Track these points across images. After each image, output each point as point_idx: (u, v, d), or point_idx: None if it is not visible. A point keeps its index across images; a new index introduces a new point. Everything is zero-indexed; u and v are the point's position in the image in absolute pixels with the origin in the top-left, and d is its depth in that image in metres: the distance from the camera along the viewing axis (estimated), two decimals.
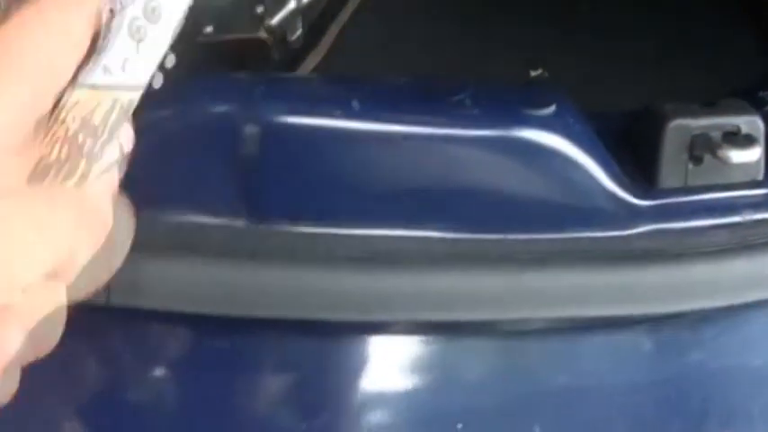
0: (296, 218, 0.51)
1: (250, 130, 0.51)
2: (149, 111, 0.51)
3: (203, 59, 0.71)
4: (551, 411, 0.55)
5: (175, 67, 0.68)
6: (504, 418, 0.55)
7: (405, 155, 0.52)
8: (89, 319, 0.51)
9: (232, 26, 0.70)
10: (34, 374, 0.54)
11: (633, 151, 0.58)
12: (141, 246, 0.47)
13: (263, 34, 0.70)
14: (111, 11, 0.35)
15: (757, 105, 0.60)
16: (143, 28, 0.36)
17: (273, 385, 0.52)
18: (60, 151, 0.35)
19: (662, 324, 0.57)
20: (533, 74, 0.71)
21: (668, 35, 0.79)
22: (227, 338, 0.50)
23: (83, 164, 0.35)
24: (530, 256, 0.53)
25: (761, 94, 0.64)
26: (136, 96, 0.37)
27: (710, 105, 0.58)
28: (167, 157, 0.50)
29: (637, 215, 0.56)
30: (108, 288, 0.47)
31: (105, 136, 0.36)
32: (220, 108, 0.51)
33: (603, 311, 0.54)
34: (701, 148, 0.57)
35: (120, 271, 0.47)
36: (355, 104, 0.51)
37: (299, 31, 0.71)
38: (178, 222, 0.50)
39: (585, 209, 0.55)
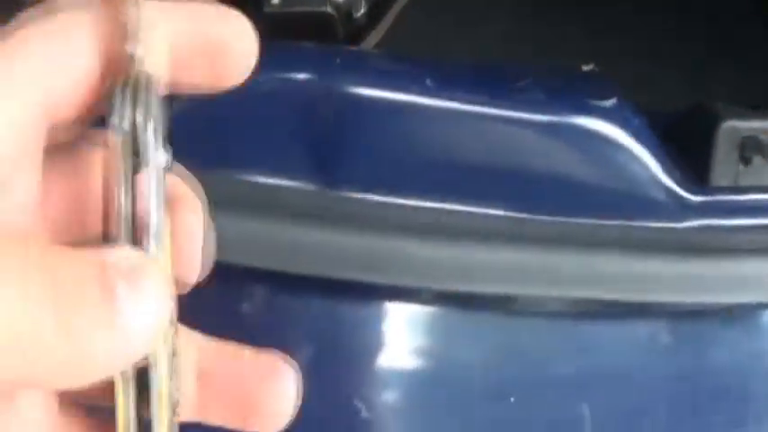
0: (365, 187, 0.54)
1: (327, 100, 0.53)
2: None
3: (268, 29, 0.73)
4: (599, 393, 0.58)
5: None
6: (553, 395, 0.57)
7: (471, 133, 0.55)
8: None
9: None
10: None
11: (685, 149, 0.61)
12: (220, 202, 0.50)
13: (329, 9, 0.72)
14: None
15: None
16: None
17: (330, 344, 0.55)
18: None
19: (705, 316, 0.60)
20: (585, 68, 0.73)
21: (711, 36, 0.82)
22: (295, 296, 0.53)
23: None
24: (583, 239, 0.55)
25: None
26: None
27: (760, 108, 0.61)
28: (246, 120, 0.53)
29: (688, 210, 0.59)
30: None
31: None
32: (300, 77, 0.53)
33: (650, 297, 0.56)
34: (750, 150, 0.59)
35: None
36: (429, 82, 0.54)
37: (363, 9, 0.74)
38: (254, 182, 0.52)
39: (639, 199, 0.58)
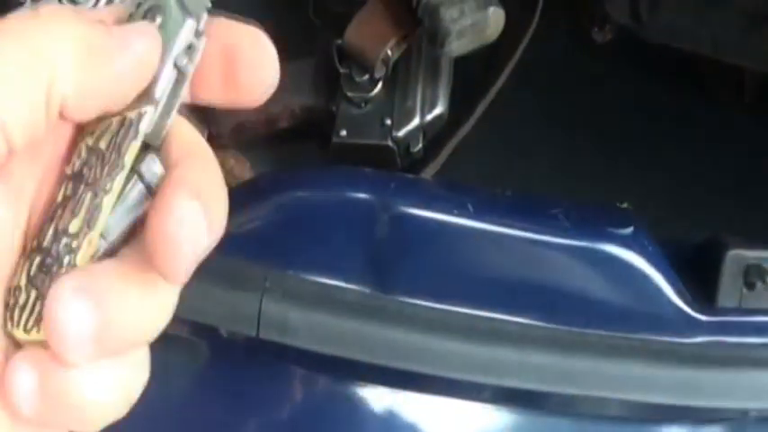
0: (413, 292, 0.67)
1: (383, 216, 0.67)
2: (304, 190, 0.68)
3: (337, 158, 0.89)
4: None
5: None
6: None
7: (506, 253, 0.68)
8: (232, 351, 0.67)
9: (364, 133, 0.88)
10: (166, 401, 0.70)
11: (697, 274, 0.73)
12: (291, 294, 0.64)
13: (389, 143, 0.87)
14: None
15: None
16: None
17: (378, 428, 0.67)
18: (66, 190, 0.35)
19: (721, 423, 0.71)
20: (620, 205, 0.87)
21: (741, 171, 0.95)
22: (347, 381, 0.66)
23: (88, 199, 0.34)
24: (603, 348, 0.67)
25: None
26: (149, 111, 0.35)
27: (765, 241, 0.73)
28: (316, 229, 0.67)
29: (696, 327, 0.70)
30: (258, 323, 0.63)
31: (113, 160, 0.34)
32: (361, 196, 0.67)
33: (661, 400, 0.67)
34: (753, 276, 0.71)
35: (271, 312, 0.63)
36: (470, 206, 0.67)
37: (420, 144, 0.89)
38: (320, 281, 0.66)
39: (653, 317, 0.70)
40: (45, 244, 0.34)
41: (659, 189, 0.92)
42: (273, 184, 0.71)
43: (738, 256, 0.72)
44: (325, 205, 0.68)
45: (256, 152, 0.93)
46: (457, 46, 0.83)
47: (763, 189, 0.92)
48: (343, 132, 0.88)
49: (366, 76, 0.88)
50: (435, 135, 0.90)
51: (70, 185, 0.34)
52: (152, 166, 0.35)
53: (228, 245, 0.69)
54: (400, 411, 0.67)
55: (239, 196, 0.72)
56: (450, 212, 0.67)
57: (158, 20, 0.35)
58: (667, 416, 0.71)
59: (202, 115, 0.93)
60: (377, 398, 0.67)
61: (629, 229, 0.70)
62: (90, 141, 0.35)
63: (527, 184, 0.89)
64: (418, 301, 0.67)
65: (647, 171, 0.94)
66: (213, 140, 0.93)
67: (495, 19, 0.83)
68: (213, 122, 0.93)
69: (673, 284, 0.70)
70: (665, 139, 0.96)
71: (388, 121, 0.87)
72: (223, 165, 0.91)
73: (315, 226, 0.68)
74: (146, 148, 0.35)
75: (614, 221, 0.71)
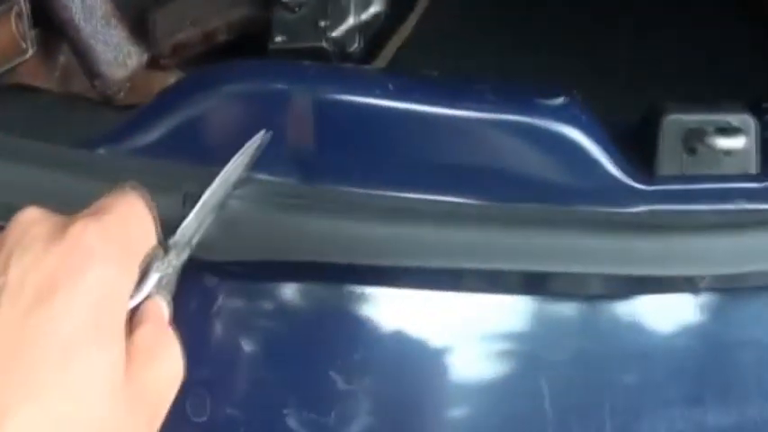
0: (338, 179, 0.65)
1: (303, 104, 0.66)
2: (220, 86, 0.67)
3: None
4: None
5: None
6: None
7: (432, 132, 0.67)
8: None
9: (299, 37, 0.86)
10: None
11: (636, 143, 0.71)
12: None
13: (325, 44, 0.86)
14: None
15: (759, 114, 0.73)
16: None
17: (318, 325, 0.66)
18: None
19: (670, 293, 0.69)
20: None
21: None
22: (279, 281, 0.65)
23: None
24: (539, 222, 0.66)
25: (765, 105, 0.76)
26: None
27: (706, 103, 0.71)
28: (234, 123, 0.66)
29: (636, 197, 0.69)
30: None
31: None
32: (280, 85, 0.66)
33: (601, 270, 0.66)
34: (694, 140, 0.70)
35: None
36: (391, 87, 0.66)
37: (356, 44, 0.87)
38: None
39: (591, 189, 0.68)
40: None
41: (609, 73, 0.90)
42: (190, 84, 0.70)
43: (677, 120, 0.70)
44: (241, 98, 0.67)
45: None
46: None
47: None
48: (279, 39, 0.86)
49: None
50: (375, 34, 0.89)
51: None
52: None
53: (149, 148, 0.69)
54: (333, 305, 0.66)
55: (160, 100, 0.71)
56: (371, 95, 0.66)
57: None
58: (613, 289, 0.69)
59: (141, 39, 0.92)
60: (312, 294, 0.66)
61: (560, 100, 0.69)
62: None
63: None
64: (342, 189, 0.66)
65: (597, 57, 0.92)
66: (154, 63, 0.92)
67: None
68: (152, 45, 0.92)
69: (610, 155, 0.69)
70: (614, 26, 0.94)
71: (323, 23, 0.85)
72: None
73: (232, 120, 0.67)
74: None
75: (544, 95, 0.69)
